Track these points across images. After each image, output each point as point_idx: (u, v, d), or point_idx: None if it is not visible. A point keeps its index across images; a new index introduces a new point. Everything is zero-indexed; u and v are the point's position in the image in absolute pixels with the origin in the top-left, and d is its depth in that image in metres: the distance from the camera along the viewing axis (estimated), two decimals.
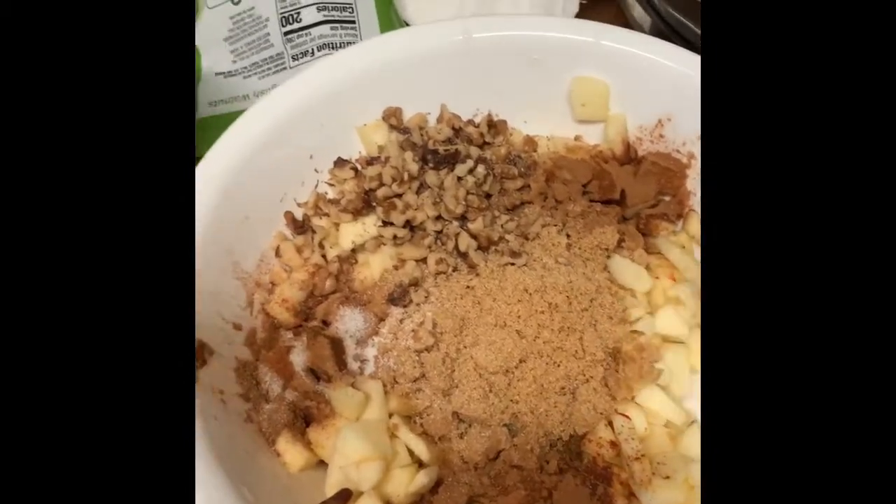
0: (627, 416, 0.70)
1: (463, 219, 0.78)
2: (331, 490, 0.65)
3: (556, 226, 0.78)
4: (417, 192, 0.79)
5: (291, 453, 0.67)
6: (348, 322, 0.72)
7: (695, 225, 0.82)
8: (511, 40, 0.83)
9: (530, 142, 0.86)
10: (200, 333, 0.66)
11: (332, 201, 0.81)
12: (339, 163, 0.81)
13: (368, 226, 0.78)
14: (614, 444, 0.69)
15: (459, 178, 0.79)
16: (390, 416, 0.69)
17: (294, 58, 0.97)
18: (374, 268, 0.76)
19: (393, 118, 0.83)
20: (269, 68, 0.98)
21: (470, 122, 0.86)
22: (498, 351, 0.69)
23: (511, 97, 0.86)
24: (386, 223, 0.78)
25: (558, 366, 0.70)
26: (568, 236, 0.79)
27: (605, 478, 0.68)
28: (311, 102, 0.77)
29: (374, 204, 0.78)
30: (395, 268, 0.76)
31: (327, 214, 0.79)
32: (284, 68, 0.97)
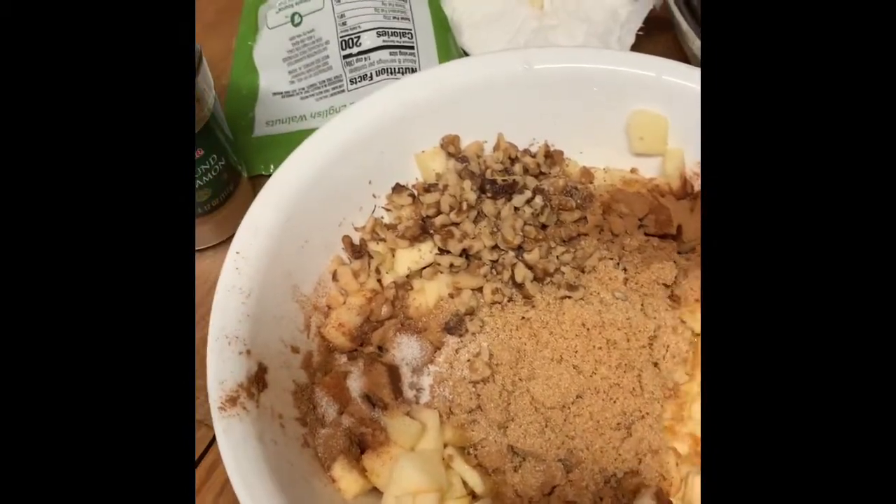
0: (677, 451, 0.69)
1: (519, 249, 0.78)
2: None
3: (612, 259, 0.78)
4: (475, 221, 0.79)
5: (347, 480, 0.67)
6: (405, 350, 0.72)
7: None
8: (571, 72, 0.83)
9: (587, 173, 0.86)
10: (263, 357, 0.67)
11: (388, 226, 0.81)
12: (398, 188, 0.82)
13: (424, 252, 0.79)
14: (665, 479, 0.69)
15: (517, 209, 0.79)
16: (445, 446, 0.69)
17: (352, 81, 0.98)
18: (429, 295, 0.77)
19: (451, 146, 0.84)
20: (327, 90, 1.00)
21: (526, 151, 0.87)
22: (555, 386, 0.69)
23: (568, 128, 0.87)
24: (442, 251, 0.78)
25: (615, 402, 0.69)
26: (625, 270, 0.78)
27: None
28: (373, 128, 0.78)
29: (431, 231, 0.79)
30: (451, 296, 0.76)
31: (384, 240, 0.80)
32: (342, 91, 0.99)
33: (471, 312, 0.75)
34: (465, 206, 0.78)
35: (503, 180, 0.80)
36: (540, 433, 0.68)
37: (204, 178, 0.82)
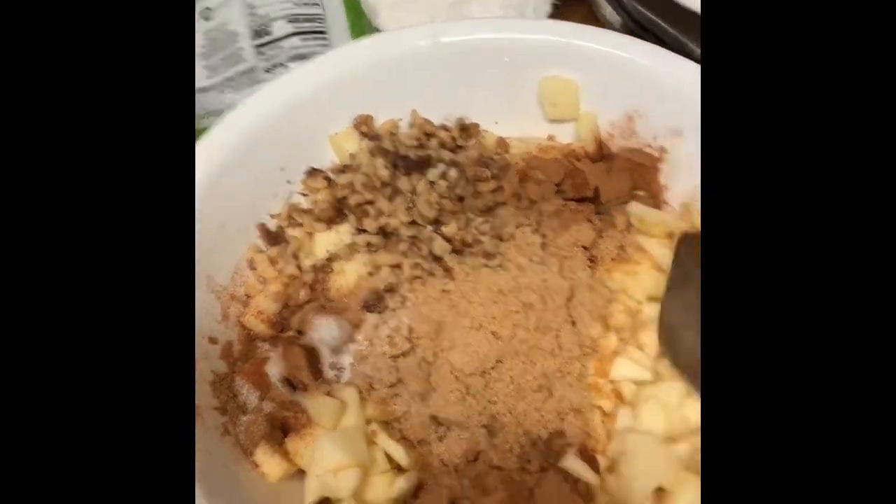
0: (602, 409, 0.70)
1: (437, 223, 0.78)
2: (310, 499, 0.65)
3: (530, 226, 0.78)
4: (390, 199, 0.79)
5: (270, 464, 0.66)
6: (323, 331, 0.72)
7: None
8: (478, 43, 0.83)
9: (502, 143, 0.86)
10: None
11: (305, 211, 0.81)
12: (312, 172, 0.81)
13: (342, 234, 0.79)
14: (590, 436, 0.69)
15: (432, 183, 0.79)
16: (368, 422, 0.69)
17: (267, 70, 0.97)
18: (349, 276, 0.76)
19: (364, 125, 0.83)
20: (242, 82, 0.99)
21: (442, 126, 0.87)
22: (474, 353, 0.69)
23: (482, 100, 0.87)
24: (360, 230, 0.78)
25: (535, 364, 0.69)
26: (543, 236, 0.78)
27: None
28: (277, 114, 0.78)
29: (347, 212, 0.79)
30: (371, 275, 0.76)
31: (301, 224, 0.79)
32: (258, 81, 0.98)
33: (391, 289, 0.75)
34: (378, 184, 0.78)
35: (416, 155, 0.80)
36: (461, 401, 0.68)
37: None
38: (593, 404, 0.71)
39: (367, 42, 0.84)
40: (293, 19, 0.97)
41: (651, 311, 0.77)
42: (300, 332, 0.74)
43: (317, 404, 0.67)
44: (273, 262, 0.78)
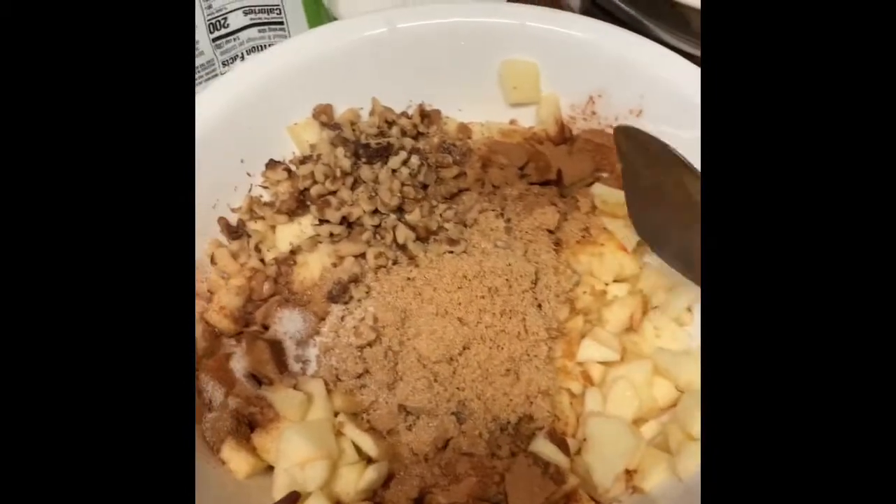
0: (571, 391, 0.69)
1: (400, 211, 0.77)
2: (278, 494, 0.64)
3: (493, 210, 0.78)
4: (352, 188, 0.78)
5: (236, 460, 0.66)
6: (287, 324, 0.71)
7: None
8: (435, 28, 0.82)
9: (464, 129, 0.86)
10: None
11: (266, 204, 0.80)
12: (271, 164, 0.80)
13: (305, 226, 0.78)
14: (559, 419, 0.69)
15: (393, 171, 0.78)
16: (336, 414, 0.68)
17: (224, 63, 0.96)
18: (312, 267, 0.76)
19: (323, 115, 0.82)
20: (200, 76, 0.97)
21: (403, 114, 0.86)
22: (439, 340, 0.68)
23: (443, 86, 0.86)
24: (322, 221, 0.77)
25: (501, 349, 0.69)
26: (508, 220, 0.78)
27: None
28: (235, 106, 0.77)
29: (309, 203, 0.78)
30: (334, 265, 0.75)
31: (262, 217, 0.78)
32: (216, 74, 0.96)
33: (355, 280, 0.74)
34: (339, 174, 0.77)
35: (377, 144, 0.79)
36: (428, 388, 0.67)
37: None
38: (562, 387, 0.71)
39: (324, 31, 0.83)
40: (249, 10, 0.95)
41: (617, 291, 0.77)
42: (265, 327, 0.73)
43: (283, 398, 0.66)
44: (235, 256, 0.77)
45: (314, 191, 0.77)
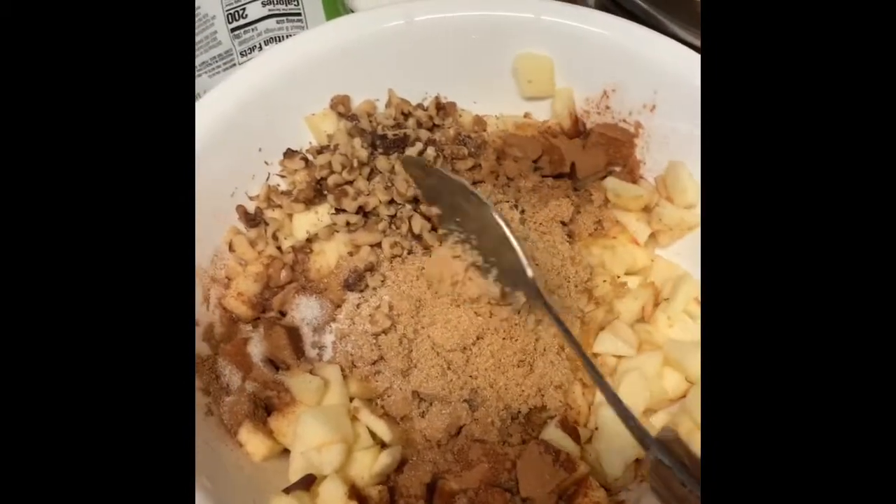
0: (583, 381, 0.70)
1: (415, 201, 0.78)
2: (294, 476, 0.65)
3: (508, 202, 0.79)
4: (368, 178, 0.79)
5: (253, 443, 0.67)
6: (304, 310, 0.72)
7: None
8: (452, 21, 0.83)
9: (479, 122, 0.86)
10: None
11: (284, 193, 0.81)
12: (289, 154, 0.81)
13: (322, 214, 0.79)
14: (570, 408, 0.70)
15: None
16: (351, 399, 0.70)
17: (242, 54, 0.97)
18: (329, 256, 0.77)
19: (341, 106, 0.83)
20: (218, 66, 0.98)
21: (419, 105, 0.87)
22: (454, 329, 0.69)
23: (459, 79, 0.87)
24: (339, 210, 0.78)
25: (515, 340, 0.70)
26: (522, 212, 0.79)
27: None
28: (253, 96, 0.77)
29: (326, 192, 0.79)
30: (351, 254, 0.76)
31: (280, 206, 0.79)
32: (234, 64, 0.97)
33: (371, 268, 0.75)
34: (356, 164, 0.78)
35: (394, 135, 0.80)
36: (442, 375, 0.68)
37: None
38: (575, 378, 0.72)
39: (342, 23, 0.84)
40: (268, 2, 0.96)
41: (630, 283, 0.78)
42: (282, 313, 0.74)
43: (299, 383, 0.68)
44: (253, 243, 0.78)
45: (331, 180, 0.78)
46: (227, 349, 0.71)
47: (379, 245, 0.77)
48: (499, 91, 0.88)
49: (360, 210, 0.78)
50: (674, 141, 0.81)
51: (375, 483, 0.66)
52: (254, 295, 0.75)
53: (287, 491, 0.63)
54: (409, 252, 0.76)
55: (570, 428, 0.69)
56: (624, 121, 0.83)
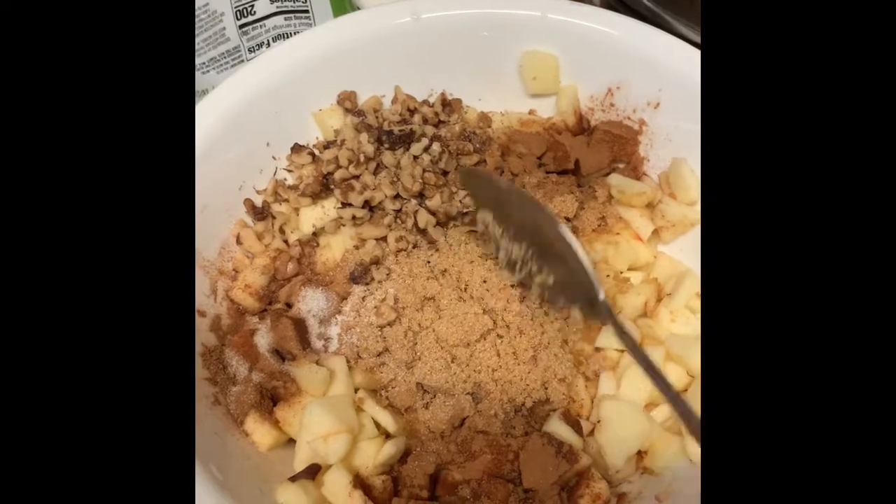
0: (586, 375, 0.71)
1: (421, 196, 0.79)
2: (300, 465, 0.66)
3: None
4: (374, 173, 0.80)
5: (260, 432, 0.68)
6: (311, 302, 0.73)
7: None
8: (458, 19, 0.84)
9: (484, 118, 0.87)
10: None
11: (291, 187, 0.82)
12: (296, 148, 0.82)
13: (328, 208, 0.80)
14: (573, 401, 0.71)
15: (415, 157, 0.80)
16: (356, 390, 0.71)
17: (250, 50, 0.98)
18: (335, 249, 0.78)
19: (347, 102, 0.84)
20: (226, 62, 0.99)
21: (425, 102, 0.87)
22: (459, 324, 0.70)
23: (465, 75, 0.88)
24: (345, 205, 0.79)
25: (522, 334, 0.71)
26: None
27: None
28: (261, 91, 0.78)
29: (333, 187, 0.80)
30: (356, 248, 0.77)
31: (286, 200, 0.80)
32: (242, 61, 0.98)
33: (376, 261, 0.76)
34: (362, 159, 0.79)
35: (400, 130, 0.81)
36: (446, 368, 0.69)
37: None
38: (579, 372, 0.73)
39: (349, 20, 0.84)
40: None
41: (633, 278, 0.79)
42: (288, 305, 0.75)
43: (305, 373, 0.68)
44: (260, 237, 0.79)
45: (338, 175, 0.79)
46: (235, 340, 0.72)
47: (384, 239, 0.78)
48: (504, 88, 0.88)
49: (366, 204, 0.79)
50: (677, 138, 0.82)
51: (379, 473, 0.67)
52: (261, 287, 0.76)
53: (293, 479, 0.64)
54: (415, 246, 0.77)
55: (573, 420, 0.70)
56: (628, 118, 0.84)
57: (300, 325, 0.72)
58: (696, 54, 0.79)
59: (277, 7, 0.97)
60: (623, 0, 0.95)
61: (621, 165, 0.85)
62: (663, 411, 0.73)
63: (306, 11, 0.98)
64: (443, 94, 0.88)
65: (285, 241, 0.80)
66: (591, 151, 0.83)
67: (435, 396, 0.70)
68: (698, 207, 0.80)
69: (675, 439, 0.69)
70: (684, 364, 0.72)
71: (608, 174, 0.84)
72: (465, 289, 0.73)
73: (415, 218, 0.78)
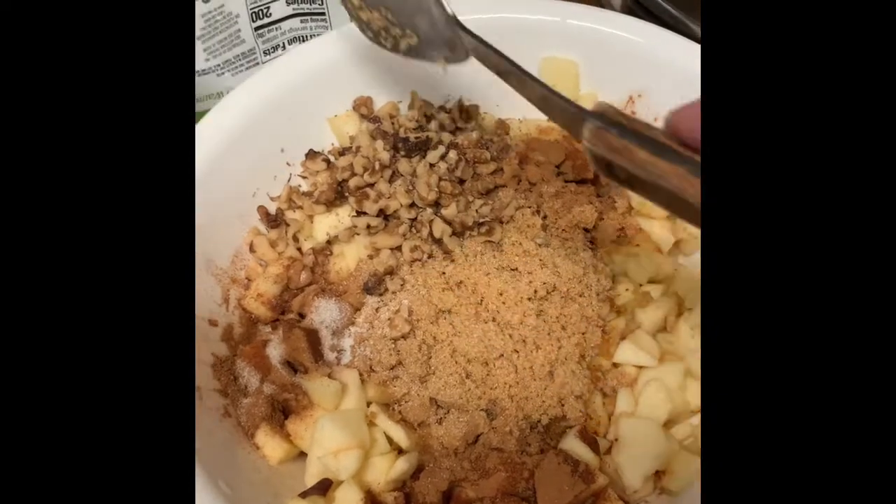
0: (603, 391, 0.70)
1: (437, 205, 0.78)
2: (311, 480, 0.65)
3: (530, 207, 0.78)
4: (390, 181, 0.78)
5: (270, 446, 0.67)
6: (324, 313, 0.72)
7: None
8: (476, 24, 0.80)
9: (502, 125, 0.86)
10: None
11: (305, 194, 0.80)
12: (311, 155, 0.81)
13: (342, 216, 0.78)
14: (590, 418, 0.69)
15: (431, 165, 0.78)
16: (368, 404, 0.69)
17: (266, 52, 0.97)
18: (349, 258, 0.76)
19: (363, 107, 0.83)
20: (241, 64, 0.98)
21: (442, 108, 0.86)
22: (477, 339, 0.69)
23: (482, 81, 0.85)
24: (359, 213, 0.78)
25: (538, 349, 0.69)
26: (544, 217, 0.78)
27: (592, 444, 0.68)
28: (276, 96, 0.77)
29: (347, 194, 0.78)
30: (370, 257, 0.76)
31: (301, 207, 0.79)
32: (257, 63, 0.97)
33: (391, 272, 0.75)
34: (378, 167, 0.78)
35: (416, 138, 0.80)
36: (460, 384, 0.68)
37: None
38: (596, 388, 0.71)
39: None
40: (292, 1, 0.96)
41: (653, 292, 0.77)
42: (301, 315, 0.74)
43: (317, 386, 0.67)
44: (273, 244, 0.78)
45: (353, 182, 0.77)
46: (246, 350, 0.71)
47: (399, 248, 0.76)
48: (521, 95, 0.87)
49: (381, 213, 0.77)
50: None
51: (391, 489, 0.66)
52: (273, 296, 0.75)
53: (303, 495, 0.63)
54: (430, 256, 0.76)
55: (590, 438, 0.68)
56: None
57: (313, 337, 0.71)
58: None
59: (294, 9, 0.96)
60: (645, 5, 0.94)
61: None
62: (683, 429, 0.71)
63: (323, 14, 0.97)
64: (460, 100, 0.86)
65: (299, 250, 0.78)
66: None
67: (449, 412, 0.69)
68: None
69: (694, 459, 0.67)
70: None
71: None
72: (481, 302, 0.72)
73: (430, 227, 0.76)
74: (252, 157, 0.77)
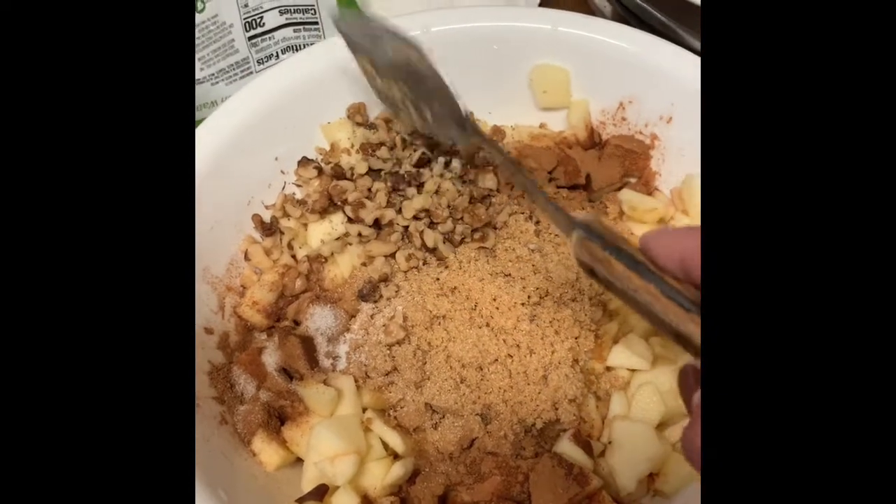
0: (597, 395, 0.70)
1: (429, 213, 0.78)
2: (307, 486, 0.65)
3: (523, 213, 0.79)
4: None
5: (267, 452, 0.67)
6: (319, 320, 0.73)
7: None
8: (469, 32, 0.83)
9: (496, 132, 0.86)
10: None
11: (299, 202, 0.81)
12: (303, 162, 0.82)
13: (336, 224, 0.79)
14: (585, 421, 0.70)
15: (439, 183, 0.78)
16: (364, 410, 0.70)
17: (259, 62, 0.97)
18: (343, 266, 0.77)
19: (358, 115, 0.84)
20: (235, 74, 0.99)
21: None
22: (472, 345, 0.70)
23: (475, 89, 0.86)
24: (353, 221, 0.78)
25: (532, 353, 0.70)
26: (537, 223, 0.79)
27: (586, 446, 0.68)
28: (270, 105, 0.78)
29: (339, 202, 0.79)
30: (364, 265, 0.77)
31: (295, 217, 0.80)
32: (251, 72, 0.98)
33: (385, 279, 0.76)
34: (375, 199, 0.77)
35: (408, 173, 0.79)
36: (455, 389, 0.68)
37: None
38: (589, 392, 0.72)
39: None
40: (285, 10, 0.97)
41: None
42: (296, 322, 0.75)
43: (313, 393, 0.68)
44: (268, 252, 0.79)
45: (351, 198, 0.77)
46: (242, 358, 0.72)
47: (393, 256, 0.77)
48: (514, 102, 0.88)
49: (376, 222, 0.78)
50: (690, 153, 0.81)
51: (388, 494, 0.66)
52: (269, 304, 0.75)
53: (300, 501, 0.63)
54: (424, 263, 0.76)
55: (584, 441, 0.69)
56: (640, 132, 0.83)
57: (308, 344, 0.71)
58: None
59: (287, 19, 0.97)
60: (635, 13, 0.95)
61: (633, 180, 0.84)
62: (677, 431, 0.72)
63: (315, 24, 0.98)
64: None
65: (293, 257, 0.79)
66: (602, 166, 0.83)
67: (444, 417, 0.69)
68: None
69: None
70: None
71: (619, 189, 0.83)
72: (475, 307, 0.73)
73: (422, 238, 0.76)
74: (247, 166, 0.78)
